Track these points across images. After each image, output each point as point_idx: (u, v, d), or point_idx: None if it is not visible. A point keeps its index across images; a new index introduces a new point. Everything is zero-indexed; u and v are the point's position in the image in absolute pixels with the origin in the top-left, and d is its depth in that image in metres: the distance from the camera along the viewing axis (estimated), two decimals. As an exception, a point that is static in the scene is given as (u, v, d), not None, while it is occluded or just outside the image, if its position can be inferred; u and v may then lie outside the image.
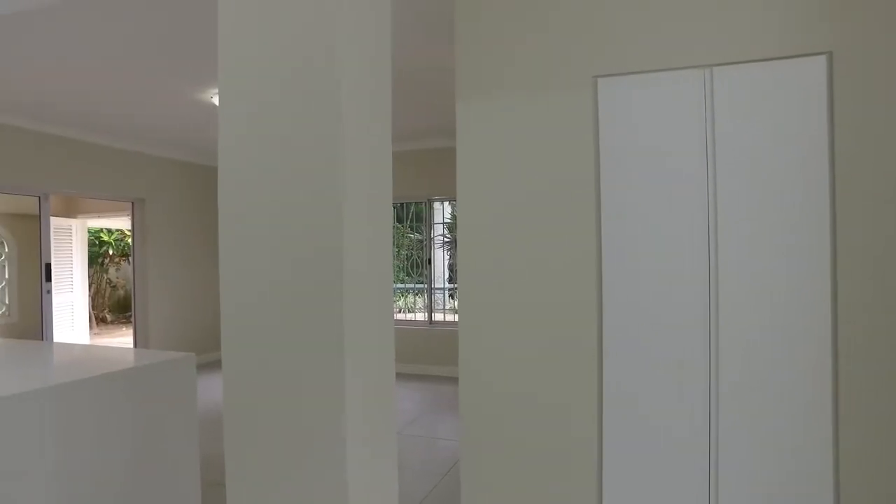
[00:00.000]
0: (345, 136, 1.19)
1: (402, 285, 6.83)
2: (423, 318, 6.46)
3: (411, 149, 6.11)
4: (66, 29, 3.03)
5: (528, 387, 2.28)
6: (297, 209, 1.21)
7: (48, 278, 5.41)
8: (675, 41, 2.10)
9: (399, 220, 6.73)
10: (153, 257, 6.25)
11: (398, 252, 6.71)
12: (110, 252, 10.79)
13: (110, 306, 10.91)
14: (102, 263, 10.67)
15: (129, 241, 8.30)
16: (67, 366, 1.92)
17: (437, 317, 6.43)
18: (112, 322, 10.76)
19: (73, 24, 2.98)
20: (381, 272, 1.34)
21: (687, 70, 2.08)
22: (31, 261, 7.42)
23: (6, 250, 7.61)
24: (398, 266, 6.72)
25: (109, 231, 10.70)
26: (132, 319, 6.33)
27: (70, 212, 8.26)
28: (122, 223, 10.01)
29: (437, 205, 6.47)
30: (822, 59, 1.92)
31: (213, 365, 6.72)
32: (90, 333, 8.94)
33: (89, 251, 9.04)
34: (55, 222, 5.81)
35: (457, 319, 6.46)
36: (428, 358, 6.18)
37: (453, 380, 5.82)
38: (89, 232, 9.35)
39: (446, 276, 6.74)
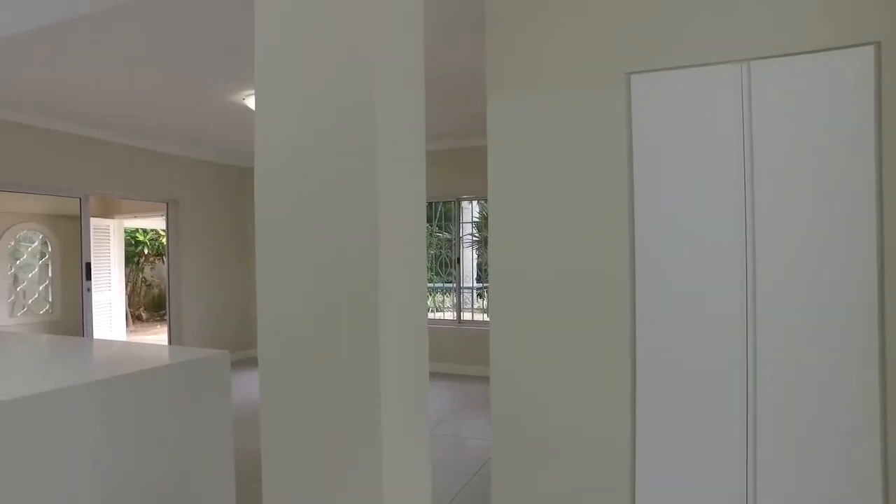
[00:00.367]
0: (379, 139, 1.19)
1: (431, 284, 6.84)
2: (451, 318, 6.46)
3: (440, 148, 6.11)
4: (104, 38, 3.12)
5: (559, 391, 2.26)
6: (333, 210, 1.22)
7: (88, 277, 5.57)
8: (710, 35, 2.04)
9: (427, 219, 6.74)
10: (187, 256, 6.39)
11: (427, 251, 6.72)
12: (145, 251, 11.08)
13: (145, 304, 11.19)
14: (138, 263, 10.96)
15: (164, 240, 8.51)
16: (107, 362, 1.96)
17: (466, 316, 6.42)
18: (147, 320, 11.05)
19: (110, 33, 3.06)
20: (416, 272, 1.34)
21: (723, 65, 2.03)
22: (72, 260, 7.67)
23: (49, 250, 7.87)
24: (427, 265, 6.73)
25: (145, 231, 10.98)
26: (167, 317, 6.48)
27: (108, 212, 8.50)
28: (156, 223, 10.27)
29: (465, 204, 6.46)
30: (870, 49, 1.85)
31: (245, 362, 6.84)
32: (126, 331, 9.18)
33: (126, 251, 9.28)
34: (94, 223, 5.98)
35: (485, 319, 6.45)
36: (456, 357, 6.18)
37: (482, 379, 5.81)
38: (126, 232, 9.60)
39: (475, 275, 6.73)
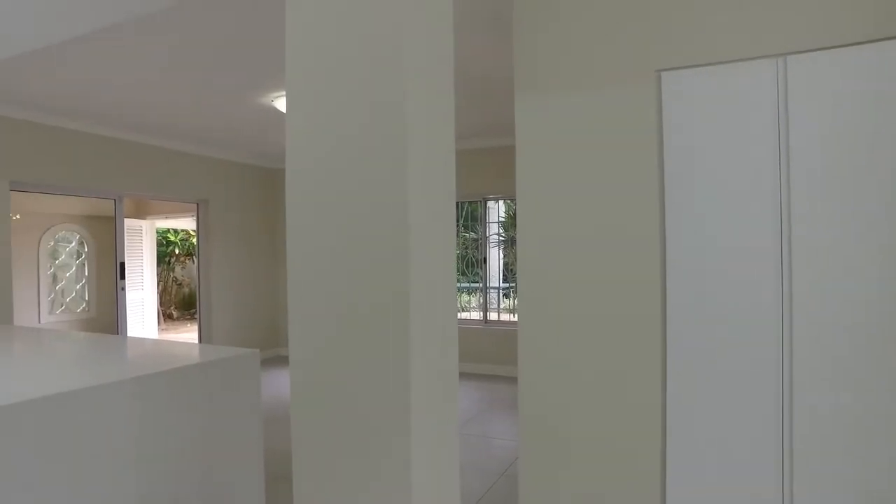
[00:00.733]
0: (410, 140, 1.19)
1: (458, 284, 6.83)
2: (477, 318, 6.45)
3: (466, 148, 6.11)
4: (138, 45, 3.19)
5: (588, 392, 2.23)
6: (364, 211, 1.22)
7: (122, 276, 5.72)
8: (744, 29, 2.00)
9: (453, 219, 6.73)
10: (216, 256, 6.50)
11: (453, 251, 6.71)
12: (176, 251, 11.31)
13: (176, 303, 11.43)
14: (169, 262, 11.20)
15: (194, 240, 8.68)
16: (142, 360, 2.01)
17: (492, 316, 6.41)
18: (178, 318, 11.28)
19: (143, 40, 3.13)
20: (446, 272, 1.34)
21: (758, 60, 1.98)
22: (107, 260, 7.88)
23: (85, 250, 8.10)
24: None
25: (175, 231, 11.21)
26: (197, 316, 6.60)
27: (140, 213, 8.71)
28: (187, 224, 10.48)
29: (491, 203, 6.45)
30: (913, 42, 1.79)
31: (273, 361, 6.94)
32: (158, 329, 9.40)
33: (157, 251, 9.50)
34: (127, 223, 6.13)
35: (511, 319, 6.42)
36: (483, 357, 6.17)
37: (508, 379, 5.79)
38: (157, 232, 9.82)
39: (500, 275, 6.71)
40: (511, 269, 6.72)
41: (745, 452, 2.00)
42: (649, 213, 2.14)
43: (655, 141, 2.13)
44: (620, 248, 2.18)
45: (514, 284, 6.74)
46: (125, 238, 5.84)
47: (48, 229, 7.64)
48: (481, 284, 6.41)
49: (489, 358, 6.14)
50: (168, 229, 11.03)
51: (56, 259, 7.79)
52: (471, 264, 6.59)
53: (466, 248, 6.65)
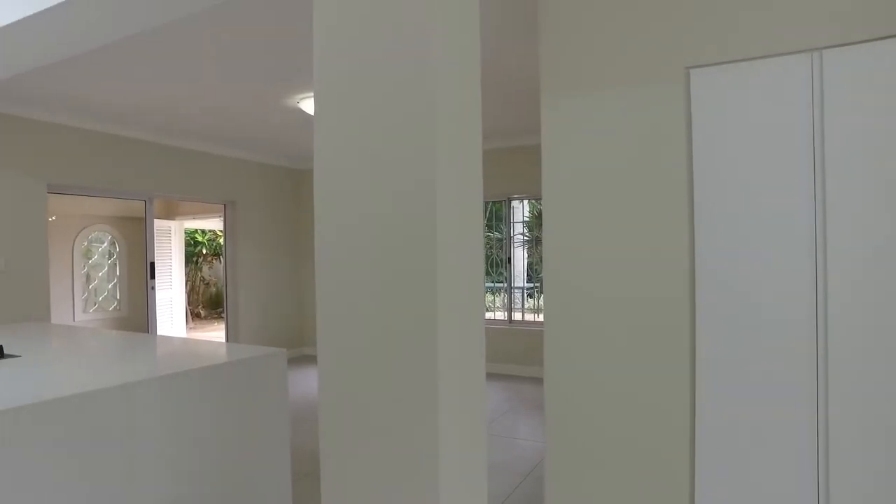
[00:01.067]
0: (438, 141, 1.19)
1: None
2: (501, 317, 6.43)
3: (490, 147, 6.09)
4: (168, 50, 3.25)
5: (615, 394, 2.21)
6: (392, 212, 1.22)
7: (152, 276, 5.84)
8: (776, 23, 1.95)
9: (477, 219, 6.71)
10: (243, 256, 6.60)
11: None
12: (204, 251, 11.52)
13: (204, 302, 11.64)
14: (197, 262, 11.41)
15: (221, 240, 8.81)
16: (173, 358, 2.05)
17: (516, 316, 6.38)
18: (205, 317, 11.48)
19: (174, 46, 3.19)
20: (474, 273, 1.34)
21: (791, 56, 1.93)
22: (138, 260, 8.06)
23: (117, 250, 8.30)
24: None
25: (203, 232, 11.41)
26: (224, 315, 6.71)
27: (169, 214, 8.89)
28: (214, 224, 10.66)
29: (515, 203, 6.42)
30: (955, 35, 1.73)
31: (298, 360, 7.02)
32: (186, 327, 9.57)
33: (185, 251, 9.68)
34: (156, 224, 6.26)
35: (535, 319, 6.38)
36: (507, 357, 6.15)
37: (532, 380, 5.76)
38: (185, 233, 10.01)
39: (525, 275, 6.67)
40: (535, 269, 6.68)
41: (778, 457, 1.96)
42: (678, 213, 2.10)
43: (684, 140, 2.09)
44: (648, 249, 2.15)
45: (538, 284, 6.70)
46: (155, 238, 5.96)
47: (82, 230, 7.85)
48: (506, 284, 6.39)
49: (514, 358, 6.12)
50: (196, 230, 11.23)
51: (89, 259, 8.00)
52: (495, 264, 6.57)
53: (491, 247, 6.63)
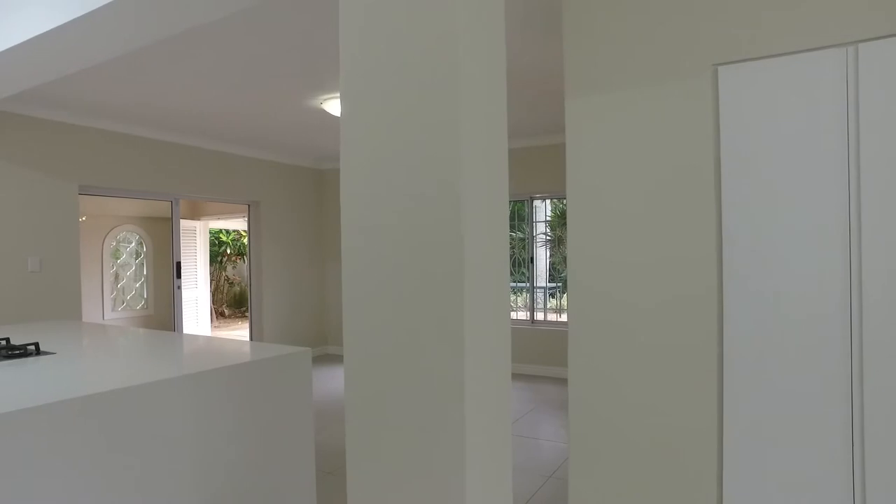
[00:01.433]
0: (463, 143, 1.19)
1: (504, 284, 6.78)
2: (523, 317, 6.40)
3: (511, 147, 6.07)
4: (193, 53, 3.31)
5: (640, 394, 2.18)
6: (418, 214, 1.23)
7: (178, 275, 5.94)
8: (809, 16, 1.90)
9: (498, 218, 6.69)
10: (267, 256, 6.68)
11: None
12: (228, 251, 11.68)
13: (228, 301, 11.80)
14: (221, 262, 11.58)
15: (245, 240, 8.93)
16: (200, 357, 2.08)
17: (538, 316, 6.35)
18: (230, 316, 11.65)
19: (198, 49, 3.24)
20: (499, 273, 1.33)
21: (825, 50, 1.88)
22: (164, 259, 8.21)
23: (144, 250, 8.47)
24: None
25: (227, 232, 11.58)
26: (248, 314, 6.80)
27: (194, 214, 9.03)
28: (238, 224, 10.81)
29: (537, 202, 6.39)
30: None
31: (321, 358, 7.07)
32: (211, 326, 9.72)
33: (210, 250, 9.83)
34: (182, 224, 6.37)
35: (558, 319, 6.33)
36: (530, 357, 6.12)
37: (555, 380, 5.72)
38: (210, 233, 10.16)
39: (547, 275, 6.63)
40: (557, 269, 6.64)
41: (811, 462, 1.91)
42: (705, 214, 2.07)
43: (712, 139, 2.06)
44: (674, 250, 2.12)
45: (560, 284, 6.66)
46: (181, 238, 6.06)
47: (111, 230, 8.02)
48: (528, 284, 6.36)
49: (536, 358, 6.09)
50: (220, 230, 11.40)
51: (117, 258, 8.18)
52: (517, 264, 6.54)
53: (513, 247, 6.61)
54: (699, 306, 2.09)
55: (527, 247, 6.41)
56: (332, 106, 4.44)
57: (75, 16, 2.23)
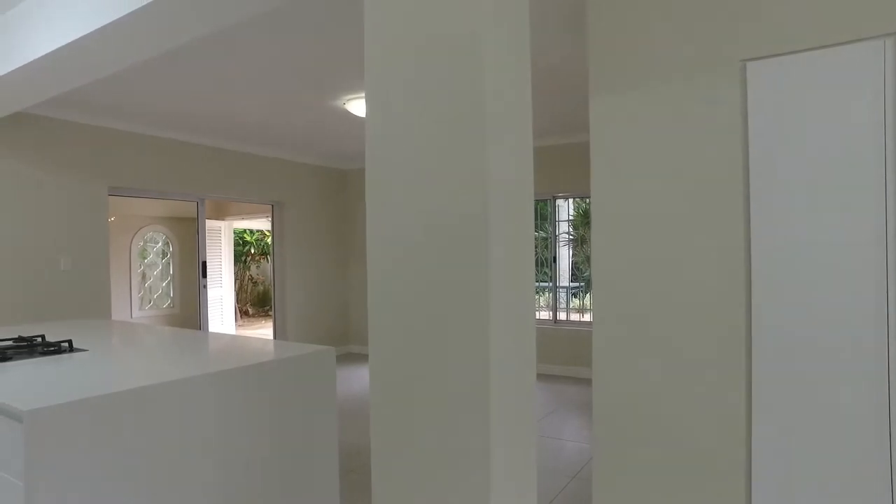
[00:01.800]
0: (489, 143, 1.18)
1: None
2: (546, 317, 6.37)
3: (533, 146, 6.03)
4: (218, 56, 3.35)
5: (665, 396, 2.15)
6: (443, 214, 1.22)
7: (204, 274, 6.03)
8: (843, 7, 1.85)
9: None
10: (290, 255, 6.75)
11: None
12: (252, 251, 11.84)
13: (252, 300, 11.96)
14: (245, 261, 11.73)
15: (269, 240, 9.03)
16: (226, 355, 2.11)
17: (561, 316, 6.31)
18: (253, 315, 11.80)
19: (223, 52, 3.28)
20: (524, 273, 1.33)
21: (860, 43, 1.83)
22: (189, 259, 8.35)
23: (170, 250, 8.62)
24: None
25: (251, 232, 11.73)
26: (272, 313, 6.87)
27: (219, 215, 9.17)
28: (262, 224, 10.94)
29: (559, 201, 6.34)
30: None
31: (343, 357, 7.12)
32: (235, 325, 9.86)
33: (234, 250, 9.97)
34: (207, 224, 6.47)
35: (581, 318, 6.28)
36: (553, 357, 6.08)
37: (578, 380, 5.68)
38: (234, 233, 10.31)
39: (570, 274, 6.58)
40: (580, 269, 6.58)
41: (844, 465, 1.87)
42: (733, 213, 2.03)
43: (740, 137, 2.02)
44: (702, 250, 2.09)
45: (583, 284, 6.60)
46: (206, 238, 6.16)
47: (138, 230, 8.19)
48: (550, 284, 6.32)
49: (559, 359, 6.05)
50: (244, 230, 11.55)
51: (145, 258, 8.34)
52: (540, 263, 6.51)
53: (536, 247, 6.57)
54: (726, 307, 2.05)
55: (549, 246, 6.37)
56: (356, 106, 4.47)
57: (112, 19, 2.27)
